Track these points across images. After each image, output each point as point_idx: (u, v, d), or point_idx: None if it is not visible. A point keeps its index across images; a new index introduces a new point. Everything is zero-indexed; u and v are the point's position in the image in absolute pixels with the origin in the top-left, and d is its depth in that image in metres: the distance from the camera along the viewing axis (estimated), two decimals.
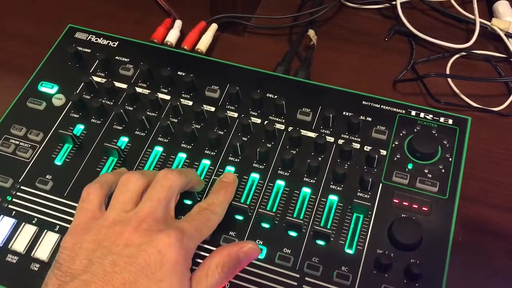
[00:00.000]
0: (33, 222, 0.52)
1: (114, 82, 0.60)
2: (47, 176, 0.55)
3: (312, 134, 0.55)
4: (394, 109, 0.56)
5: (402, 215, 0.50)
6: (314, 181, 0.52)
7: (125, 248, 0.41)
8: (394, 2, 0.70)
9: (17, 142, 0.57)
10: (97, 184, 0.47)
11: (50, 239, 0.51)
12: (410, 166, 0.52)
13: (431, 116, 0.55)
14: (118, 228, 0.42)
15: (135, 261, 0.40)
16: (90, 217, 0.45)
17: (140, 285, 0.39)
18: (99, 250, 0.41)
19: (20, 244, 0.51)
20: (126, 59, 0.62)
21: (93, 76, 0.60)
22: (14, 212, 0.53)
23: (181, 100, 0.58)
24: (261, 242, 0.49)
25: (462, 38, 0.68)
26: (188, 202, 0.51)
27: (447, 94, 0.63)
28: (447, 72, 0.66)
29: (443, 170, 0.52)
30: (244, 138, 0.55)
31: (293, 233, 0.50)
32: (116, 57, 0.63)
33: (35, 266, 0.50)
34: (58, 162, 0.56)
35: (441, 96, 0.63)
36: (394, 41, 0.69)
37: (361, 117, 0.55)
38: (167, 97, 0.59)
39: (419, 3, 0.72)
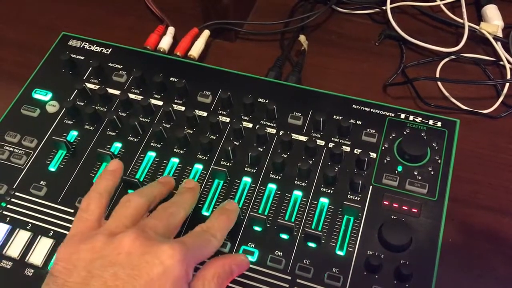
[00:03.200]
0: (27, 228, 0.53)
1: (107, 89, 0.60)
2: (41, 182, 0.55)
3: (303, 138, 0.56)
4: (384, 113, 0.57)
5: (392, 216, 0.50)
6: (305, 184, 0.53)
7: (127, 258, 0.39)
8: (384, 7, 0.71)
9: (12, 149, 0.58)
10: (97, 194, 0.46)
11: (44, 244, 0.51)
12: (399, 168, 0.53)
13: (420, 119, 0.56)
14: (119, 237, 0.41)
15: (137, 274, 0.38)
16: (88, 227, 0.43)
17: None
18: (98, 260, 0.39)
19: (14, 250, 0.51)
20: (119, 66, 0.63)
21: (86, 83, 0.61)
22: (8, 218, 0.53)
23: (174, 105, 0.59)
24: (253, 245, 0.50)
25: (452, 42, 0.69)
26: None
27: (437, 97, 0.64)
28: (437, 75, 0.66)
29: (432, 172, 0.53)
30: (236, 143, 0.56)
31: (284, 236, 0.50)
32: (109, 64, 0.63)
33: (29, 272, 0.50)
34: (52, 168, 0.56)
35: (431, 99, 0.63)
36: (384, 45, 0.70)
37: (351, 121, 0.56)
38: (160, 103, 0.59)
39: (409, 8, 0.73)
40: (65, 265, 0.40)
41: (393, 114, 0.56)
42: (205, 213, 0.52)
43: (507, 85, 0.63)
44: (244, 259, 0.46)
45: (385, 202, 0.51)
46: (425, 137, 0.55)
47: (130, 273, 0.38)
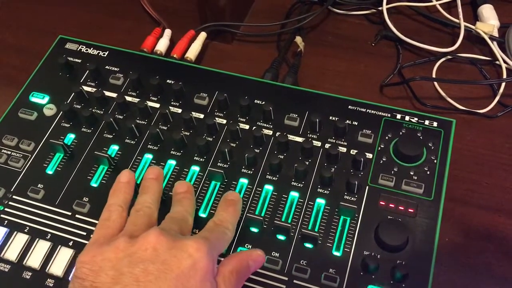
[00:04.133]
0: (25, 231, 0.53)
1: (104, 91, 0.61)
2: (39, 185, 0.55)
3: (300, 139, 0.56)
4: (380, 113, 0.57)
5: (388, 217, 0.51)
6: (301, 185, 0.53)
7: (155, 253, 0.40)
8: (380, 8, 0.71)
9: (9, 152, 0.58)
10: (119, 206, 0.47)
11: (42, 247, 0.52)
12: (395, 168, 0.53)
13: (416, 119, 0.56)
14: (143, 235, 0.41)
15: (168, 268, 0.39)
16: (110, 234, 0.44)
17: None
18: (125, 259, 0.40)
19: (12, 253, 0.51)
20: (116, 69, 0.63)
21: (83, 86, 0.61)
22: (6, 221, 0.53)
23: (170, 107, 0.59)
24: (250, 246, 0.50)
25: (448, 42, 0.69)
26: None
27: (434, 97, 0.64)
28: (433, 75, 0.66)
29: (428, 172, 0.53)
30: (232, 144, 0.56)
31: (281, 237, 0.50)
32: (106, 67, 0.64)
33: (27, 275, 0.50)
34: (49, 171, 0.56)
35: (427, 99, 0.64)
36: (381, 46, 0.70)
37: (347, 121, 0.56)
38: (157, 105, 0.60)
39: (405, 8, 0.73)
40: (90, 267, 0.40)
41: (389, 115, 0.57)
42: (201, 214, 0.52)
43: (503, 84, 0.64)
44: (261, 254, 0.46)
45: (381, 203, 0.51)
46: (421, 137, 0.55)
47: (160, 267, 0.39)
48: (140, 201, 0.48)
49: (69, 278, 0.50)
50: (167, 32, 0.70)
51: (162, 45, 0.69)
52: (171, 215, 0.47)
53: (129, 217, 0.46)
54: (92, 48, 0.66)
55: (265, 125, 0.57)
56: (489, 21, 0.69)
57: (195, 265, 0.40)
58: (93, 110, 0.59)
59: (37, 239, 0.52)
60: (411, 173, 0.53)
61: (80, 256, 0.42)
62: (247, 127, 0.57)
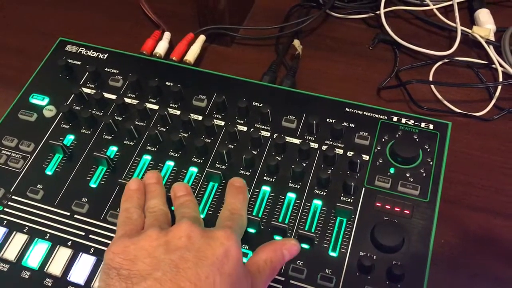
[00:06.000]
0: (24, 231, 0.53)
1: (104, 93, 0.61)
2: (38, 186, 0.56)
3: (297, 141, 0.56)
4: (377, 115, 0.57)
5: (385, 218, 0.51)
6: (298, 186, 0.54)
7: (189, 241, 0.41)
8: (378, 12, 0.72)
9: (9, 153, 0.58)
10: (136, 208, 0.48)
11: (40, 247, 0.52)
12: (392, 170, 0.54)
13: (412, 121, 0.57)
14: (175, 225, 0.43)
15: (203, 255, 0.40)
16: (135, 229, 0.45)
17: (213, 279, 0.39)
18: (160, 247, 0.41)
19: (11, 253, 0.52)
20: (115, 71, 0.64)
21: (83, 88, 0.62)
22: (5, 221, 0.54)
23: (169, 109, 0.60)
24: (247, 247, 0.50)
25: (445, 45, 0.70)
26: None
27: (430, 100, 0.65)
28: (430, 78, 0.67)
29: (424, 174, 0.53)
30: (230, 146, 0.56)
31: (278, 238, 0.51)
32: (106, 69, 0.64)
33: (25, 274, 0.51)
34: (49, 172, 0.57)
35: (424, 102, 0.64)
36: (378, 49, 0.71)
37: (344, 124, 0.56)
38: (155, 107, 0.60)
39: (402, 12, 0.74)
40: (124, 257, 0.41)
41: (385, 117, 0.57)
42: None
43: (499, 88, 0.64)
44: (295, 243, 0.46)
45: (377, 204, 0.52)
46: (417, 139, 0.55)
47: (196, 254, 0.40)
48: (151, 205, 0.48)
49: (68, 278, 0.50)
50: (167, 35, 0.71)
51: (161, 48, 0.69)
52: (183, 216, 0.47)
53: (147, 217, 0.47)
54: (92, 51, 0.66)
55: (263, 127, 0.58)
56: (485, 25, 0.69)
57: (227, 252, 0.41)
58: (93, 112, 0.60)
59: (36, 239, 0.52)
60: (407, 175, 0.53)
61: (111, 247, 0.42)
62: (245, 129, 0.58)
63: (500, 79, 0.65)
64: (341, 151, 0.55)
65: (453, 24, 0.70)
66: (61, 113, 0.60)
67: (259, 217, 0.51)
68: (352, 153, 0.55)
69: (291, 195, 0.53)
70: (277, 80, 0.67)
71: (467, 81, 0.67)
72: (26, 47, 0.74)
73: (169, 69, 0.64)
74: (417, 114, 0.58)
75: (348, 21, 0.75)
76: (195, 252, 0.40)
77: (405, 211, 0.51)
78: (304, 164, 0.55)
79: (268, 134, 0.57)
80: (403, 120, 0.57)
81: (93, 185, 0.55)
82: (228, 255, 0.41)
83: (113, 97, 0.61)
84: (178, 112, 0.60)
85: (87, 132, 0.59)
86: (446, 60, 0.68)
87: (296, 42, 0.68)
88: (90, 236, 0.52)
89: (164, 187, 0.52)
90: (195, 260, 0.39)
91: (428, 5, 0.72)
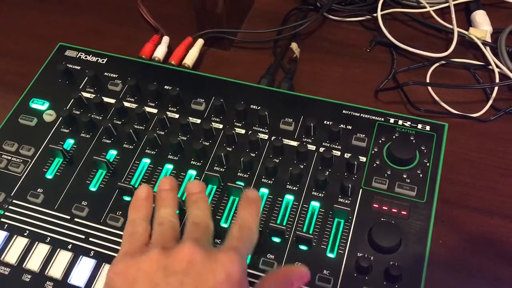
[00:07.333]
0: (25, 234, 0.54)
1: (103, 98, 0.62)
2: (38, 190, 0.56)
3: (294, 143, 0.57)
4: (373, 117, 0.58)
5: (382, 219, 0.51)
6: (296, 188, 0.54)
7: (190, 265, 0.40)
8: (375, 14, 0.72)
9: (9, 158, 0.59)
10: (142, 221, 0.47)
11: (41, 250, 0.53)
12: (389, 171, 0.54)
13: (409, 123, 0.57)
14: (178, 247, 0.41)
15: (203, 280, 0.39)
16: (139, 246, 0.44)
17: None
18: (160, 270, 0.40)
19: (12, 256, 0.52)
20: (114, 75, 0.64)
21: (82, 92, 0.62)
22: (6, 225, 0.54)
23: (168, 113, 0.60)
24: None
25: (442, 47, 0.70)
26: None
27: (427, 102, 0.65)
28: (427, 80, 0.67)
29: (421, 175, 0.54)
30: (228, 149, 0.57)
31: (276, 239, 0.51)
32: (105, 73, 0.65)
33: (26, 277, 0.51)
34: (49, 176, 0.57)
35: (421, 103, 0.64)
36: (376, 51, 0.71)
37: (342, 126, 0.57)
38: (154, 111, 0.61)
39: (399, 15, 0.74)
40: (124, 278, 0.40)
41: (382, 119, 0.58)
42: None
43: (496, 89, 0.64)
44: (305, 271, 0.45)
45: (374, 205, 0.52)
46: (414, 141, 0.56)
47: (196, 278, 0.39)
48: (161, 215, 0.47)
49: (68, 281, 0.51)
50: (165, 39, 0.72)
51: (160, 52, 0.70)
52: (193, 220, 0.47)
53: (154, 230, 0.46)
54: (91, 55, 0.67)
55: (260, 129, 0.58)
56: (482, 26, 0.70)
57: (228, 277, 0.40)
58: (92, 116, 0.60)
59: (37, 242, 0.53)
60: (404, 176, 0.54)
61: (112, 267, 0.42)
62: (243, 131, 0.58)
63: (497, 80, 0.65)
64: (338, 153, 0.56)
65: (450, 26, 0.70)
66: (61, 118, 0.61)
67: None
68: (349, 154, 0.55)
69: (289, 197, 0.54)
70: (275, 83, 0.67)
71: (464, 83, 0.67)
72: (26, 52, 0.75)
73: (167, 73, 0.65)
74: (414, 115, 0.59)
75: (346, 24, 0.75)
76: (195, 276, 0.39)
77: (402, 212, 0.52)
78: (302, 166, 0.55)
79: (266, 136, 0.58)
80: (400, 122, 0.57)
81: (93, 188, 0.56)
82: (229, 279, 0.40)
83: (113, 101, 0.62)
84: (177, 116, 0.60)
85: (87, 136, 0.60)
86: (443, 62, 0.69)
87: (294, 45, 0.69)
88: (90, 239, 0.53)
89: (177, 195, 0.50)
90: (195, 284, 0.39)
91: (425, 7, 0.73)
